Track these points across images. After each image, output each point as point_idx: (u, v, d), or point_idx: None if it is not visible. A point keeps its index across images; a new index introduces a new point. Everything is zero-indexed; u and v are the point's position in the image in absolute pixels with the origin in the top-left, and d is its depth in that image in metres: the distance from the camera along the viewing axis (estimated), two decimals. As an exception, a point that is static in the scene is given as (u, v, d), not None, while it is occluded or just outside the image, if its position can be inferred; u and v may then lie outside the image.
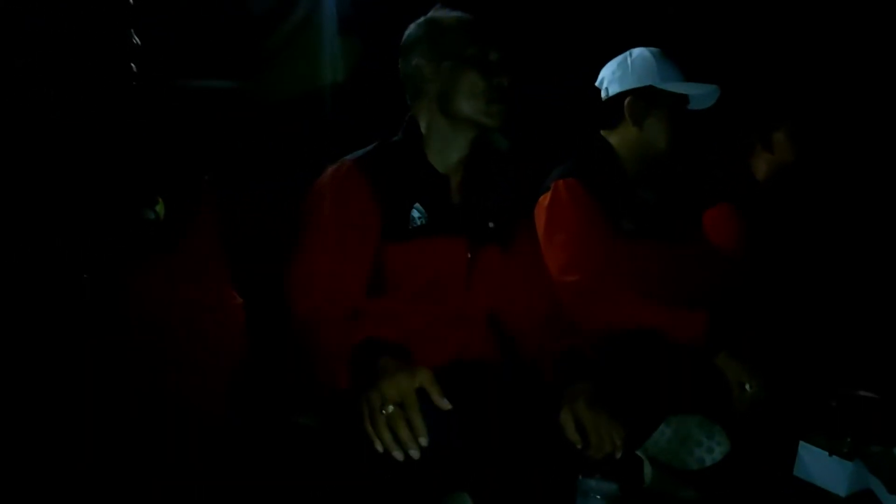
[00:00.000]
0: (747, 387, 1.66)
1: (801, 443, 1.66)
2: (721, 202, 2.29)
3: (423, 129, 1.58)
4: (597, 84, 2.05)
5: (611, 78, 2.00)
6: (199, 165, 1.26)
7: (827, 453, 1.61)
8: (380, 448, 1.16)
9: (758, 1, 2.69)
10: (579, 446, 1.34)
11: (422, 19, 1.61)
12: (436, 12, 1.61)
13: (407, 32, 1.62)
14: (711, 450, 1.63)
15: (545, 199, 1.89)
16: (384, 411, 1.17)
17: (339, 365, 1.27)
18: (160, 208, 1.18)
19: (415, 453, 1.15)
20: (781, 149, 2.36)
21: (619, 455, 1.34)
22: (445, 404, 1.19)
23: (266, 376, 1.39)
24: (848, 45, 2.63)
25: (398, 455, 1.15)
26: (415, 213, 1.53)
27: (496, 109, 1.54)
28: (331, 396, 1.31)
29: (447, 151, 1.58)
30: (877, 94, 2.63)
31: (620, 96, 1.96)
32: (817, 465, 1.63)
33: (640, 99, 1.93)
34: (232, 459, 1.13)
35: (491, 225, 1.61)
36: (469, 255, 1.56)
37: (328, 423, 1.32)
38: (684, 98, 1.94)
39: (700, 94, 1.95)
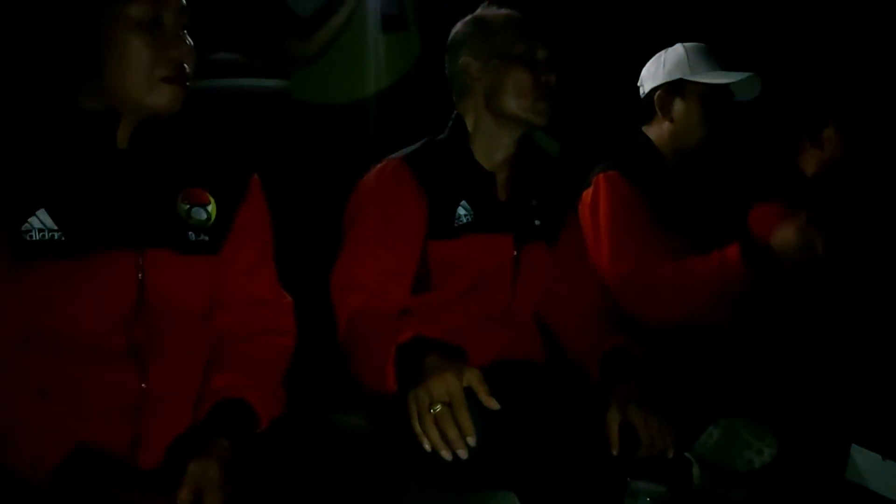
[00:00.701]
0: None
1: (854, 446, 1.63)
2: (770, 199, 2.27)
3: (469, 127, 1.58)
4: (638, 84, 2.07)
5: (646, 75, 2.04)
6: (249, 165, 1.27)
7: (880, 457, 1.58)
8: (427, 447, 1.16)
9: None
10: (615, 450, 1.32)
11: (469, 17, 1.61)
12: (483, 10, 1.61)
13: (454, 30, 1.62)
14: (761, 451, 1.61)
15: (588, 195, 1.89)
16: (432, 410, 1.17)
17: (386, 363, 1.27)
18: (212, 208, 1.20)
19: (462, 453, 1.15)
20: (831, 145, 2.32)
21: (671, 455, 1.32)
22: (494, 404, 1.19)
23: (312, 375, 1.40)
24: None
25: (446, 454, 1.15)
26: (461, 211, 1.53)
27: (543, 107, 1.53)
28: (377, 395, 1.31)
29: (493, 149, 1.58)
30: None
31: (653, 91, 1.99)
32: (870, 468, 1.60)
33: (670, 91, 1.96)
34: (278, 457, 1.13)
35: (537, 223, 1.61)
36: (515, 253, 1.56)
37: (374, 421, 1.32)
38: (720, 89, 1.93)
39: (741, 85, 1.94)
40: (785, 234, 1.63)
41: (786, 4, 2.65)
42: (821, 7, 2.63)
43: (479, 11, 1.61)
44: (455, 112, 1.62)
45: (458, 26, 1.62)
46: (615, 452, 1.32)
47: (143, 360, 1.10)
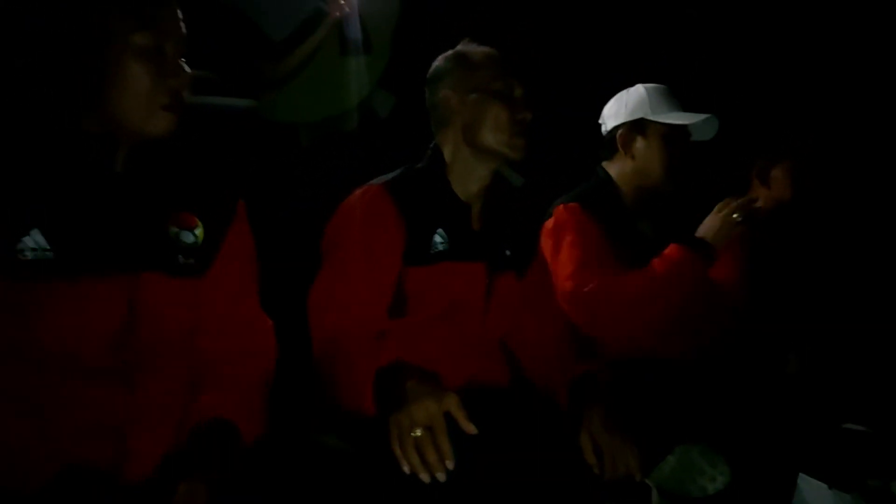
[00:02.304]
0: None
1: (801, 475, 1.71)
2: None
3: (447, 158, 1.63)
4: (599, 121, 2.16)
5: (608, 114, 2.13)
6: (235, 189, 1.29)
7: (826, 486, 1.66)
8: (407, 470, 1.19)
9: (759, 38, 2.78)
10: (596, 470, 1.37)
11: (450, 52, 1.66)
12: (464, 46, 1.66)
13: (435, 65, 1.67)
14: (714, 478, 1.68)
15: (549, 224, 1.96)
16: (413, 434, 1.20)
17: (365, 386, 1.30)
18: (200, 231, 1.21)
19: (441, 476, 1.18)
20: (778, 185, 2.44)
21: (637, 478, 1.38)
22: (472, 429, 1.23)
23: (289, 396, 1.41)
24: (848, 84, 2.71)
25: (425, 477, 1.18)
26: (437, 238, 1.57)
27: (519, 142, 1.59)
28: (352, 416, 1.34)
29: (469, 180, 1.63)
30: (876, 132, 2.71)
31: (615, 129, 2.07)
32: (817, 497, 1.68)
33: (631, 130, 2.05)
34: (258, 477, 1.15)
35: (508, 252, 1.66)
36: (487, 281, 1.60)
37: (352, 443, 1.34)
38: (679, 129, 2.04)
39: (700, 125, 2.05)
40: (706, 223, 1.90)
41: (740, 49, 2.78)
42: (775, 51, 2.77)
43: (459, 47, 1.66)
44: (433, 142, 1.66)
45: (440, 60, 1.67)
46: (597, 472, 1.36)
47: (131, 378, 1.11)
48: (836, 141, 2.62)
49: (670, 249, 1.88)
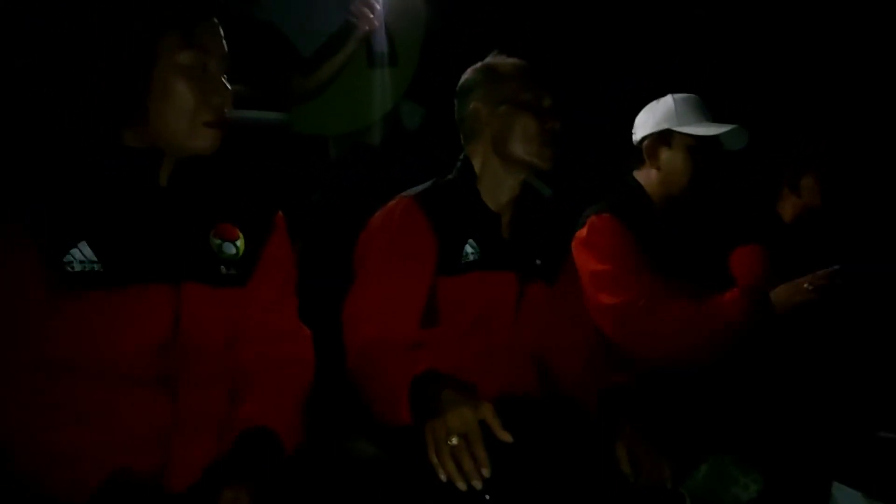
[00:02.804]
0: None
1: (836, 483, 1.70)
2: (749, 243, 2.36)
3: (476, 169, 1.65)
4: (632, 131, 2.17)
5: (638, 124, 2.15)
6: (274, 201, 1.32)
7: (861, 494, 1.65)
8: (443, 478, 1.21)
9: (793, 50, 2.78)
10: (631, 479, 1.38)
11: (479, 65, 1.69)
12: (493, 58, 1.68)
13: (464, 77, 1.69)
14: (747, 487, 1.67)
15: (581, 234, 1.98)
16: (449, 442, 1.22)
17: (401, 396, 1.32)
18: (241, 243, 1.24)
19: (477, 484, 1.19)
20: (808, 193, 2.43)
21: (669, 485, 1.39)
22: (507, 437, 1.24)
23: (324, 404, 1.44)
24: (882, 93, 2.70)
25: (461, 485, 1.20)
26: (468, 249, 1.59)
27: (547, 152, 1.61)
28: (388, 424, 1.36)
29: (499, 191, 1.65)
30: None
31: (643, 139, 2.10)
32: (851, 505, 1.67)
33: (658, 141, 2.06)
34: (299, 486, 1.17)
35: (538, 262, 1.68)
36: (518, 291, 1.62)
37: (387, 451, 1.36)
38: (706, 140, 2.03)
39: (729, 136, 2.04)
40: (785, 287, 1.84)
41: (772, 57, 2.77)
42: (805, 60, 2.76)
43: (488, 59, 1.69)
44: (463, 154, 1.68)
45: (469, 73, 1.69)
46: (633, 481, 1.37)
47: (175, 387, 1.14)
48: (866, 148, 2.61)
49: (732, 294, 1.87)
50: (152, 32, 1.10)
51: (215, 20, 1.17)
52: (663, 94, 2.12)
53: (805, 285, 1.86)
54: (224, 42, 1.18)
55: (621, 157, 2.18)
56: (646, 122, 2.12)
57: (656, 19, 2.90)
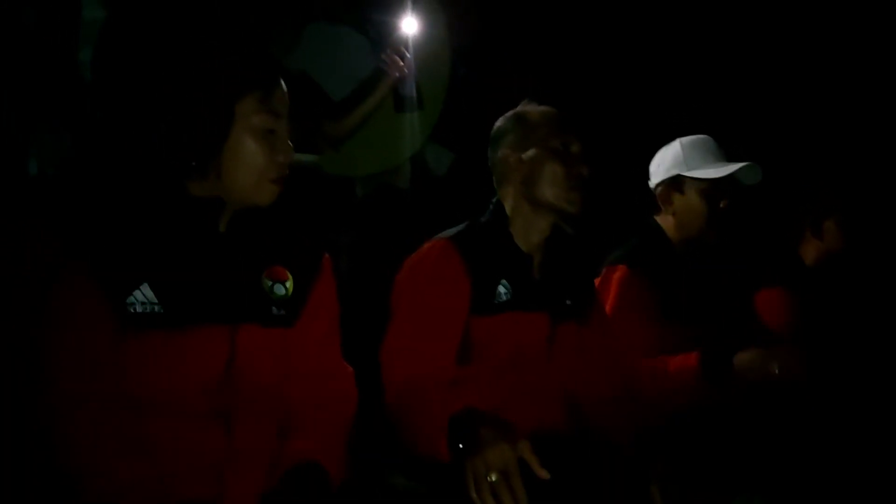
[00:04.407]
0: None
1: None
2: (772, 286, 2.39)
3: (508, 212, 1.70)
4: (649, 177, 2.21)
5: (652, 170, 2.18)
6: (321, 243, 1.37)
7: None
8: (483, 513, 1.24)
9: (817, 92, 2.83)
10: None
11: (510, 113, 1.75)
12: (524, 106, 1.74)
13: (497, 125, 1.75)
14: (775, 528, 1.69)
15: (596, 283, 1.99)
16: (489, 479, 1.24)
17: (439, 433, 1.35)
18: (290, 284, 1.29)
19: (516, 519, 1.22)
20: (830, 237, 2.47)
21: None
22: (545, 474, 1.26)
23: (364, 440, 1.47)
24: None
25: (501, 520, 1.22)
26: (501, 289, 1.63)
27: (575, 196, 1.66)
28: (426, 460, 1.39)
29: (530, 232, 1.69)
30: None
31: (656, 187, 2.13)
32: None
33: (669, 187, 2.09)
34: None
35: (569, 302, 1.72)
36: (550, 330, 1.66)
37: (427, 486, 1.39)
38: (718, 181, 2.04)
39: (745, 172, 2.05)
40: (747, 358, 1.75)
41: (796, 99, 2.83)
42: (830, 102, 2.81)
43: (519, 108, 1.75)
44: (495, 197, 1.74)
45: (500, 121, 1.76)
46: None
47: (229, 422, 1.18)
48: (889, 192, 2.65)
49: (691, 358, 1.82)
50: (232, 96, 1.16)
51: (283, 84, 1.23)
52: (685, 134, 2.15)
53: (772, 365, 1.72)
54: (289, 102, 1.24)
55: (643, 200, 2.22)
56: (657, 170, 2.15)
57: (678, 61, 2.97)
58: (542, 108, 1.74)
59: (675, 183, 2.08)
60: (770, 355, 1.73)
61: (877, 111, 2.82)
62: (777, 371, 1.70)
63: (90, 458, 1.10)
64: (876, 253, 2.50)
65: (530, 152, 1.67)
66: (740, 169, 2.04)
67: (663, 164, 2.13)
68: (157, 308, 1.15)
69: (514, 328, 1.62)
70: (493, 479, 1.23)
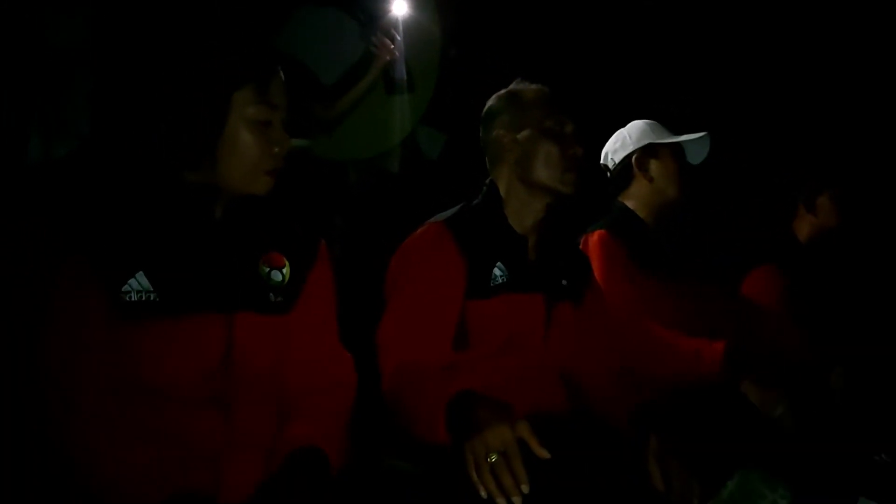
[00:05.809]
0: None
1: (862, 499, 1.72)
2: (764, 263, 2.40)
3: (502, 193, 1.69)
4: (601, 162, 2.26)
5: (612, 149, 2.23)
6: (317, 229, 1.37)
7: (888, 509, 1.67)
8: (484, 495, 1.23)
9: (811, 69, 2.83)
10: (672, 496, 1.41)
11: (503, 92, 1.73)
12: (516, 85, 1.73)
13: (489, 104, 1.74)
14: (775, 502, 1.70)
15: None
16: (489, 460, 1.24)
17: (437, 417, 1.34)
18: (286, 271, 1.29)
19: (517, 500, 1.22)
20: (824, 212, 2.47)
21: (697, 503, 1.42)
22: (545, 454, 1.27)
23: (363, 425, 1.47)
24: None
25: (501, 501, 1.22)
26: (496, 272, 1.62)
27: (570, 177, 1.65)
28: (424, 443, 1.39)
29: (525, 214, 1.68)
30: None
31: (626, 158, 2.17)
32: (878, 520, 1.69)
33: (643, 155, 2.15)
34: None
35: (564, 283, 1.71)
36: (546, 312, 1.65)
37: (426, 469, 1.39)
38: (679, 149, 2.17)
39: (694, 149, 2.17)
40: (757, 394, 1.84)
41: (788, 75, 2.82)
42: (822, 79, 2.81)
43: (512, 86, 1.73)
44: (489, 179, 1.73)
45: (493, 100, 1.74)
46: (673, 499, 1.40)
47: (227, 409, 1.18)
48: (883, 167, 2.64)
49: (716, 348, 1.87)
50: (228, 87, 1.16)
51: (281, 75, 1.22)
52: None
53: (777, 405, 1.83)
54: (286, 93, 1.23)
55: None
56: (624, 144, 2.20)
57: (671, 45, 2.96)
58: (535, 86, 1.72)
59: (649, 150, 2.15)
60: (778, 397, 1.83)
61: (870, 89, 2.81)
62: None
63: (89, 446, 1.10)
64: (870, 228, 2.50)
65: (524, 133, 1.66)
66: (697, 139, 2.15)
67: (629, 138, 2.19)
68: (152, 296, 1.14)
69: (511, 310, 1.61)
70: (493, 459, 1.24)
